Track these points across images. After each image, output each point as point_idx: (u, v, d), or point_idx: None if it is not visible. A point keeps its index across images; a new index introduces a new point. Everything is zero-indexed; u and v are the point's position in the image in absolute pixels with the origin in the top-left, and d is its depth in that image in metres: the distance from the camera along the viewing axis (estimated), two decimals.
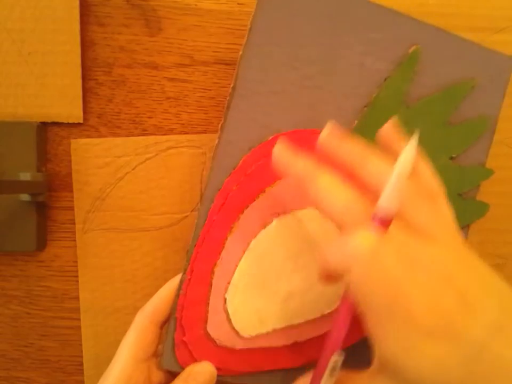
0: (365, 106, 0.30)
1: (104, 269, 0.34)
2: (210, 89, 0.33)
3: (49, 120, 0.32)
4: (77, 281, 0.34)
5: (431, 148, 0.29)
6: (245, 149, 0.29)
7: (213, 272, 0.29)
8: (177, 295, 0.29)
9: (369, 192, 0.23)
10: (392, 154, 0.24)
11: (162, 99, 0.33)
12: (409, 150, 0.22)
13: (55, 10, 0.31)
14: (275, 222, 0.30)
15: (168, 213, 0.34)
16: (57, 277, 0.34)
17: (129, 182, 0.33)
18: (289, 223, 0.30)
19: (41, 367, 0.35)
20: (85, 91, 0.33)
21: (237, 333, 0.30)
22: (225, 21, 0.33)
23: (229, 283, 0.29)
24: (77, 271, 0.34)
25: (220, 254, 0.29)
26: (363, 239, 0.21)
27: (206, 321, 0.29)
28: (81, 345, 0.34)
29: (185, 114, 0.34)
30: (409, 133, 0.28)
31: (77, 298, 0.34)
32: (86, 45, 0.32)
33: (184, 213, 0.34)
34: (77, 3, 0.31)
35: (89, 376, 0.34)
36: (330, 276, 0.24)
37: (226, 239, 0.29)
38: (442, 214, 0.24)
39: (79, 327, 0.34)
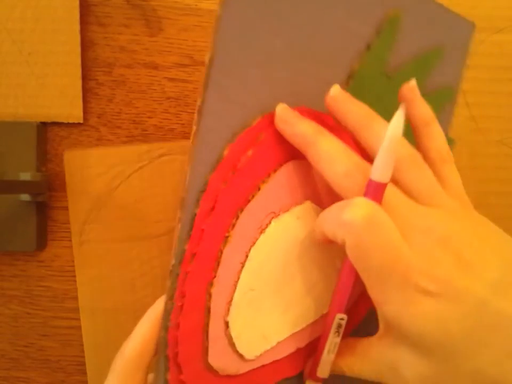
0: (349, 78, 0.28)
1: (102, 280, 0.34)
2: None
3: (49, 120, 0.32)
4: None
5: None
6: (228, 136, 0.24)
7: (209, 294, 0.24)
8: (165, 328, 0.23)
9: (371, 157, 0.23)
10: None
11: (163, 99, 0.33)
12: (399, 115, 0.22)
13: (55, 11, 0.31)
14: (273, 224, 0.26)
15: (164, 221, 0.34)
16: (57, 277, 0.34)
17: (124, 191, 0.33)
18: (288, 223, 0.26)
19: (41, 367, 0.35)
20: (85, 91, 0.33)
21: (241, 356, 0.26)
22: None
23: (229, 304, 0.25)
24: None
25: (215, 271, 0.24)
26: (357, 207, 0.21)
27: (206, 352, 0.25)
28: (81, 345, 0.34)
29: (185, 114, 0.34)
30: (391, 104, 0.27)
31: (77, 298, 0.34)
32: (86, 45, 0.32)
33: None
34: (77, 3, 0.31)
35: None
36: (328, 241, 0.24)
37: (221, 251, 0.24)
38: (448, 179, 0.24)
39: (79, 327, 0.34)
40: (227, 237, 0.24)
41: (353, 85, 0.29)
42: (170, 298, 0.23)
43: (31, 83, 0.32)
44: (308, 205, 0.27)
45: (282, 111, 0.25)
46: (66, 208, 0.33)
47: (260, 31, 0.25)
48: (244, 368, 0.26)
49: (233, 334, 0.25)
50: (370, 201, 0.21)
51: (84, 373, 0.34)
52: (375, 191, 0.22)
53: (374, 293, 0.22)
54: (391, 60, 0.29)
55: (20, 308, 0.34)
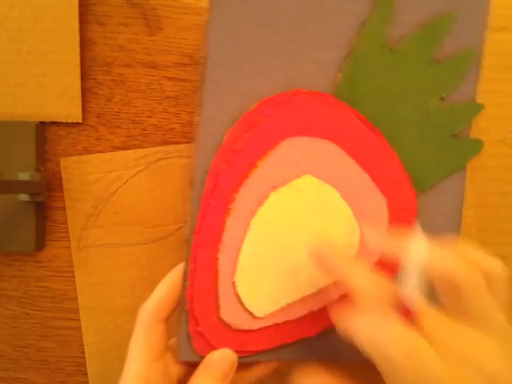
0: (347, 56, 0.29)
1: (102, 285, 0.34)
2: None
3: (48, 120, 0.32)
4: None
5: (421, 90, 0.30)
6: (228, 123, 0.28)
7: (217, 259, 0.28)
8: (183, 287, 0.28)
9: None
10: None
11: (162, 98, 0.33)
12: (418, 242, 0.22)
13: (54, 10, 0.31)
14: (272, 196, 0.29)
15: (163, 225, 0.34)
16: (56, 278, 0.34)
17: (122, 196, 0.33)
18: (288, 194, 0.29)
19: (40, 367, 0.34)
20: (84, 90, 0.33)
21: (251, 314, 0.29)
22: None
23: (235, 267, 0.29)
24: None
25: (221, 239, 0.28)
26: (397, 337, 0.21)
27: (218, 309, 0.29)
28: (80, 346, 0.34)
29: (184, 113, 0.33)
30: (398, 76, 0.28)
31: (76, 299, 0.34)
32: (85, 44, 0.32)
33: (178, 224, 0.34)
34: (76, 2, 0.31)
35: None
36: None
37: (225, 222, 0.28)
38: (500, 301, 0.23)
39: (78, 328, 0.34)
40: (229, 209, 0.28)
41: (350, 62, 0.29)
42: (187, 262, 0.28)
43: (30, 82, 0.32)
44: (307, 178, 0.29)
45: (315, 249, 0.27)
46: (65, 209, 0.33)
47: (248, 24, 0.27)
48: (256, 324, 0.29)
49: (240, 293, 0.29)
50: (411, 331, 0.21)
51: (83, 373, 0.34)
52: (406, 316, 0.21)
53: None
54: (394, 32, 0.29)
55: (18, 308, 0.34)
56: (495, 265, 0.23)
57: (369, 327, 0.22)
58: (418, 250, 0.21)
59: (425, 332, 0.21)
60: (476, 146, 0.32)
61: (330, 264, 0.26)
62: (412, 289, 0.22)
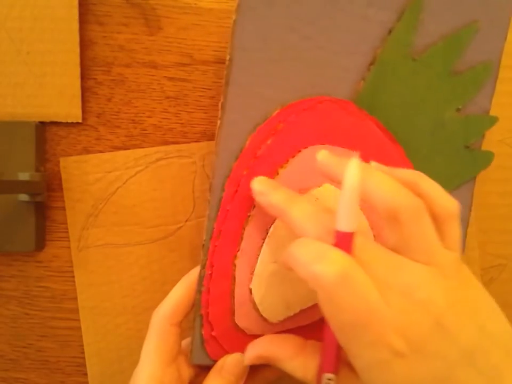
0: (370, 64, 0.29)
1: (102, 285, 0.34)
2: (210, 89, 0.33)
3: (48, 120, 0.32)
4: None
5: (439, 100, 0.30)
6: (250, 128, 0.27)
7: (234, 265, 0.28)
8: (199, 292, 0.28)
9: None
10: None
11: (162, 98, 0.33)
12: (354, 161, 0.21)
13: (54, 10, 0.31)
14: None
15: (163, 225, 0.34)
16: (56, 278, 0.34)
17: (122, 196, 0.33)
18: None
19: (40, 367, 0.34)
20: (84, 90, 0.32)
21: (265, 320, 0.29)
22: (225, 20, 0.33)
23: (252, 273, 0.29)
24: None
25: (239, 245, 0.28)
26: (330, 262, 0.20)
27: (233, 314, 0.29)
28: (80, 346, 0.34)
29: (184, 113, 0.33)
30: (418, 86, 0.28)
31: (76, 299, 0.34)
32: (85, 44, 0.32)
33: (178, 224, 0.34)
34: (76, 2, 0.31)
35: None
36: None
37: (244, 229, 0.28)
38: (448, 234, 0.23)
39: (78, 328, 0.34)
40: (249, 216, 0.28)
41: (374, 70, 0.29)
42: (203, 267, 0.28)
43: (30, 82, 0.32)
44: (327, 187, 0.29)
45: (258, 184, 0.27)
46: (65, 209, 0.33)
47: (275, 29, 0.27)
48: (269, 330, 0.29)
49: (256, 300, 0.29)
50: (345, 256, 0.21)
51: (83, 374, 0.34)
52: (342, 242, 0.21)
53: (344, 344, 0.21)
54: (418, 42, 0.29)
55: (18, 308, 0.34)
56: (446, 200, 0.23)
57: (307, 255, 0.22)
58: (353, 176, 0.21)
59: (364, 266, 0.21)
60: (487, 159, 0.32)
61: (271, 199, 0.25)
62: (349, 220, 0.21)
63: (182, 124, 0.33)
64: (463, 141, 0.31)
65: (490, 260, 0.35)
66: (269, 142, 0.28)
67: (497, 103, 0.34)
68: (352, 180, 0.21)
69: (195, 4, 0.33)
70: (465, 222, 0.31)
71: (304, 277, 0.21)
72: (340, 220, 0.21)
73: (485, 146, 0.33)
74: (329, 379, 0.23)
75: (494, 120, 0.31)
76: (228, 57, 0.27)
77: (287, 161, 0.28)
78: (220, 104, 0.27)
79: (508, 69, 0.34)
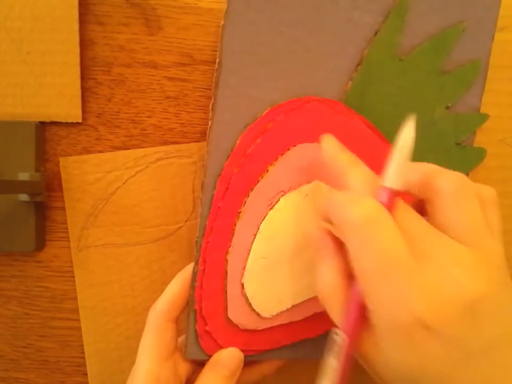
0: (358, 65, 0.29)
1: (102, 285, 0.34)
2: (210, 89, 0.33)
3: (48, 120, 0.32)
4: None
5: (427, 99, 0.30)
6: (240, 128, 0.28)
7: (226, 260, 0.29)
8: (193, 287, 0.29)
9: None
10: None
11: (162, 98, 0.33)
12: (407, 128, 0.22)
13: (54, 9, 0.31)
14: (282, 201, 0.29)
15: (163, 225, 0.34)
16: (56, 278, 0.34)
17: (121, 196, 0.33)
18: (297, 199, 0.30)
19: (40, 368, 0.34)
20: (84, 90, 0.32)
21: (258, 314, 0.30)
22: None
23: (243, 269, 0.29)
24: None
25: (230, 241, 0.29)
26: (362, 207, 0.21)
27: (226, 309, 0.29)
28: (80, 346, 0.34)
29: (184, 113, 0.33)
30: (406, 85, 0.28)
31: (76, 299, 0.34)
32: (85, 44, 0.32)
33: (178, 224, 0.34)
34: (76, 2, 0.31)
35: None
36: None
37: (235, 225, 0.29)
38: (492, 223, 0.22)
39: (78, 328, 0.34)
40: (240, 212, 0.29)
41: (362, 71, 0.29)
42: (196, 263, 0.29)
43: (30, 82, 0.32)
44: (316, 183, 0.30)
45: (326, 144, 0.27)
46: (65, 208, 0.33)
47: (263, 33, 0.28)
48: (262, 325, 0.30)
49: (248, 294, 0.30)
50: (377, 203, 0.21)
51: (83, 374, 0.34)
52: (385, 196, 0.21)
53: (367, 301, 0.21)
54: (405, 42, 0.30)
55: (18, 308, 0.34)
56: (489, 189, 0.23)
57: (344, 198, 0.22)
58: (407, 136, 0.21)
59: (402, 229, 0.20)
60: (479, 155, 0.33)
61: (336, 159, 0.26)
62: (396, 177, 0.21)
63: (182, 124, 0.33)
64: (454, 138, 0.31)
65: None
66: (258, 140, 0.28)
67: (497, 103, 0.34)
68: (406, 139, 0.21)
69: (195, 3, 0.33)
70: None
71: (335, 219, 0.22)
72: (387, 176, 0.22)
73: (485, 146, 0.33)
74: (336, 334, 0.23)
75: (485, 117, 0.32)
76: (217, 60, 0.27)
77: (276, 158, 0.29)
78: (210, 105, 0.28)
79: (508, 69, 0.34)
